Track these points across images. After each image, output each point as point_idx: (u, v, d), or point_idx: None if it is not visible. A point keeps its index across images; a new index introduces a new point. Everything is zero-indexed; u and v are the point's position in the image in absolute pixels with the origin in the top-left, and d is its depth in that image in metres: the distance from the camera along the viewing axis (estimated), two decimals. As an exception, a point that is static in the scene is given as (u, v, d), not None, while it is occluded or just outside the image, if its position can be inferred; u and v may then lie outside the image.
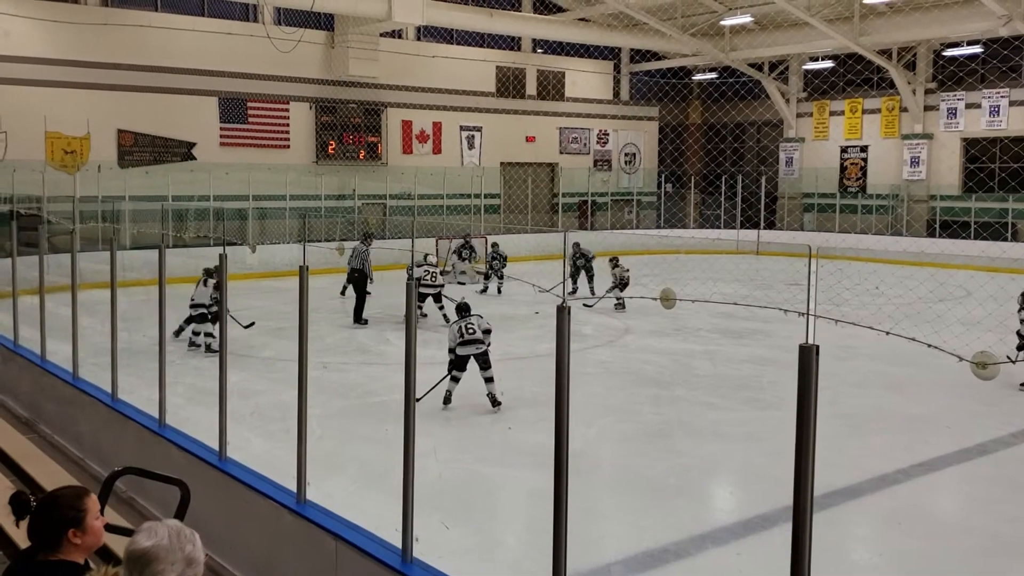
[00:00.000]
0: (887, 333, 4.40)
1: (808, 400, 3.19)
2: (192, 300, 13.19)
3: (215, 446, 6.27)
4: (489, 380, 10.16)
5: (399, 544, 4.57)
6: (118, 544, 3.21)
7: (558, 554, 3.86)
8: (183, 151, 25.09)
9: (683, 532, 6.75)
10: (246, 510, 5.79)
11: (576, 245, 19.36)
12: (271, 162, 26.08)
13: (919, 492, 7.97)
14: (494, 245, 21.77)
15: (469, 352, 10.25)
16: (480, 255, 23.21)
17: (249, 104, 26.02)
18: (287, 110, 26.76)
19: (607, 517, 7.06)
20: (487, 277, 21.04)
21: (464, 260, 22.96)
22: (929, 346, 4.91)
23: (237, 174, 24.94)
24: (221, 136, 25.58)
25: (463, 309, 10.72)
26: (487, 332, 10.34)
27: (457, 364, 10.34)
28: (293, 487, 5.40)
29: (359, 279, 16.21)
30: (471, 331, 10.26)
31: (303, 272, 5.36)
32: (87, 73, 23.20)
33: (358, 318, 15.86)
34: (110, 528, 3.23)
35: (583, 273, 19.23)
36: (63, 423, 9.04)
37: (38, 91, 22.52)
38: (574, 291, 18.52)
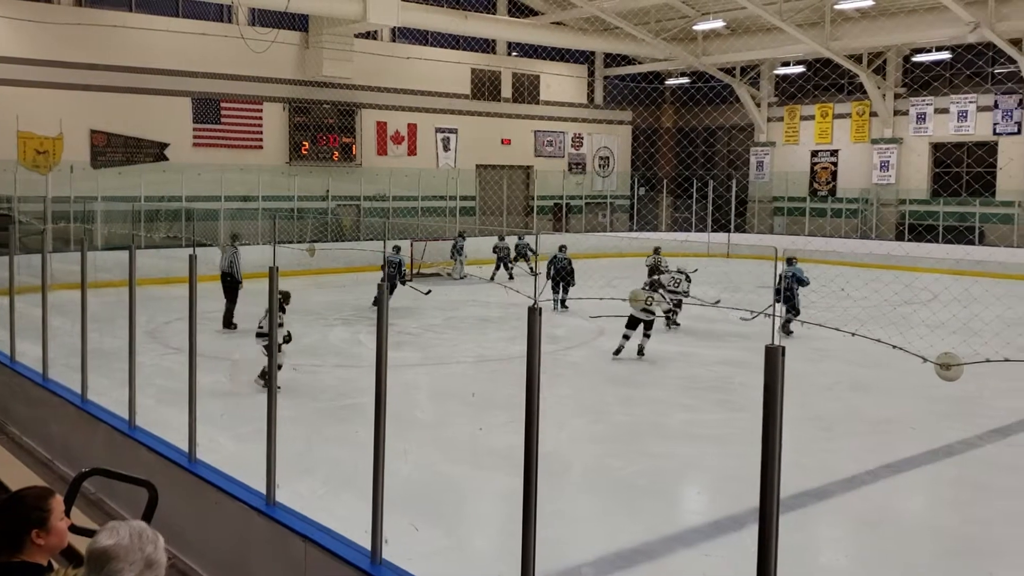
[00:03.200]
0: (852, 334, 4.47)
1: (774, 401, 3.23)
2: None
3: (185, 448, 6.24)
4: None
5: (368, 546, 4.57)
6: (83, 545, 3.19)
7: (527, 555, 3.88)
8: (156, 151, 24.90)
9: (653, 533, 6.80)
10: (215, 512, 5.77)
11: (562, 248, 19.10)
12: (244, 163, 25.95)
13: (887, 493, 8.06)
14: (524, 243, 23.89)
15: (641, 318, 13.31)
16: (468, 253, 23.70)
17: (222, 104, 25.87)
18: (260, 110, 26.63)
19: (578, 518, 7.09)
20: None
21: (455, 257, 23.34)
22: (894, 347, 4.99)
23: (210, 175, 24.79)
24: (194, 136, 25.42)
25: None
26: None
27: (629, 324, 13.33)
28: (263, 489, 5.39)
29: (230, 283, 15.52)
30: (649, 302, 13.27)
31: (273, 273, 5.35)
32: (60, 73, 22.98)
33: (228, 323, 15.14)
34: (76, 530, 3.21)
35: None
36: (32, 424, 8.95)
37: (10, 91, 22.29)
38: (555, 305, 18.22)
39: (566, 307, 18.11)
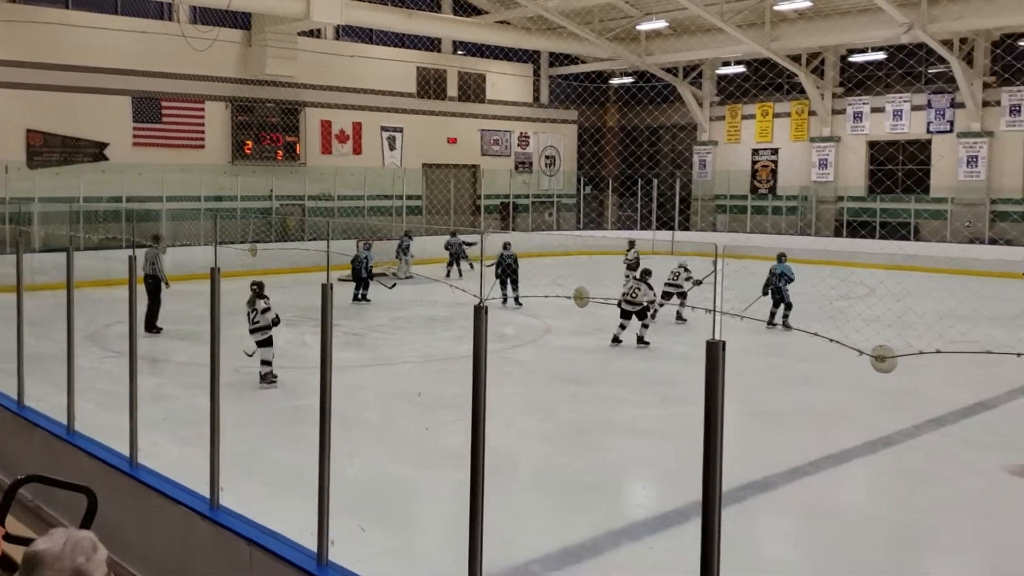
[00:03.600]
0: (790, 328, 4.57)
1: (715, 395, 3.28)
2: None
3: (126, 452, 6.13)
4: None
5: (314, 548, 4.54)
6: (19, 554, 3.12)
7: (474, 553, 3.89)
8: (95, 151, 24.36)
9: (600, 528, 6.86)
10: (158, 517, 5.68)
11: (506, 246, 19.35)
12: (186, 162, 25.53)
13: (828, 484, 8.24)
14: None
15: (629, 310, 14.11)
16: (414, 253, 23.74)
17: (163, 103, 25.41)
18: (202, 109, 26.21)
19: (526, 515, 7.13)
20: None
21: (401, 257, 23.26)
22: (831, 341, 5.10)
23: (151, 174, 24.33)
24: (134, 136, 24.93)
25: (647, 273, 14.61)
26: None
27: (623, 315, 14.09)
28: (206, 493, 5.32)
29: (152, 285, 15.12)
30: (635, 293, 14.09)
31: (214, 274, 5.28)
32: (-6, 71, 22.40)
33: (151, 326, 14.76)
34: (10, 538, 3.14)
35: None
36: (-35, 432, 8.69)
37: (-60, 89, 21.66)
38: (505, 299, 18.40)
39: (520, 303, 18.20)
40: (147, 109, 25.17)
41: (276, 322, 11.42)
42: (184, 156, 25.71)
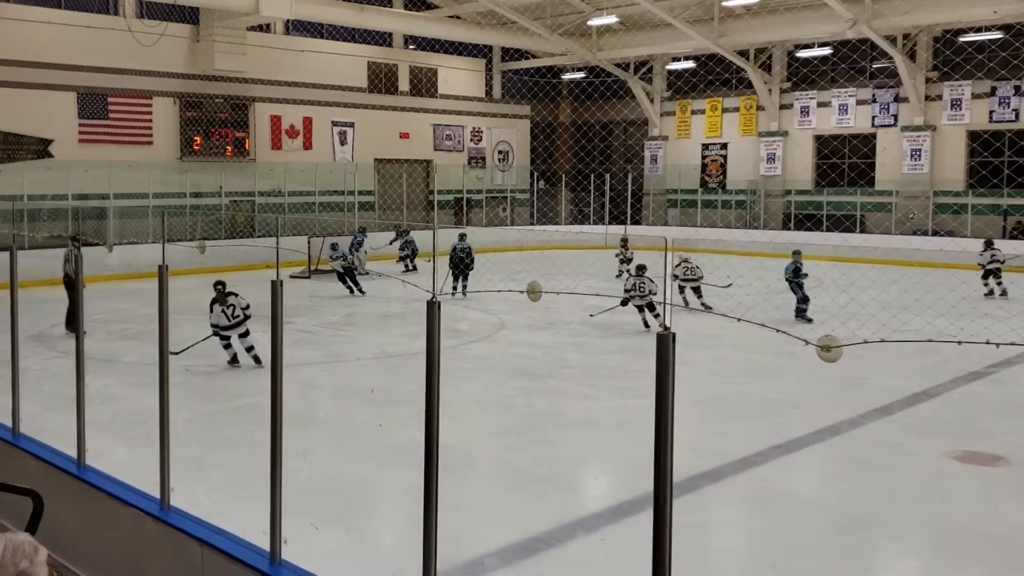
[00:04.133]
0: (739, 320, 4.65)
1: (665, 386, 3.32)
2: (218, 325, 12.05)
3: (74, 454, 6.03)
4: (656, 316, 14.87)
5: (267, 547, 4.51)
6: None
7: (428, 549, 3.90)
8: (39, 148, 23.82)
9: (554, 521, 6.90)
10: (107, 519, 5.59)
11: (462, 237, 19.77)
12: (133, 159, 25.09)
13: (777, 473, 8.37)
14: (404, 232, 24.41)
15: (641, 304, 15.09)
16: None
17: (110, 99, 24.95)
18: (150, 105, 25.78)
19: (480, 510, 7.15)
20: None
21: (356, 253, 23.09)
22: (777, 331, 5.21)
23: (97, 171, 23.87)
24: (80, 132, 24.44)
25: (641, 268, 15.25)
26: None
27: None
28: (156, 494, 5.25)
29: (71, 284, 14.61)
30: (642, 287, 14.99)
31: (162, 272, 5.22)
32: (-72, 65, 21.78)
33: (70, 324, 14.23)
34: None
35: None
36: (-96, 437, 8.46)
37: None
38: (454, 291, 18.59)
39: (465, 295, 18.36)
40: (93, 105, 24.68)
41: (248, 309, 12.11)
42: (132, 153, 25.28)
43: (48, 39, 23.50)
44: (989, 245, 19.51)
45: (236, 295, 12.02)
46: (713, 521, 7.27)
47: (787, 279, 16.11)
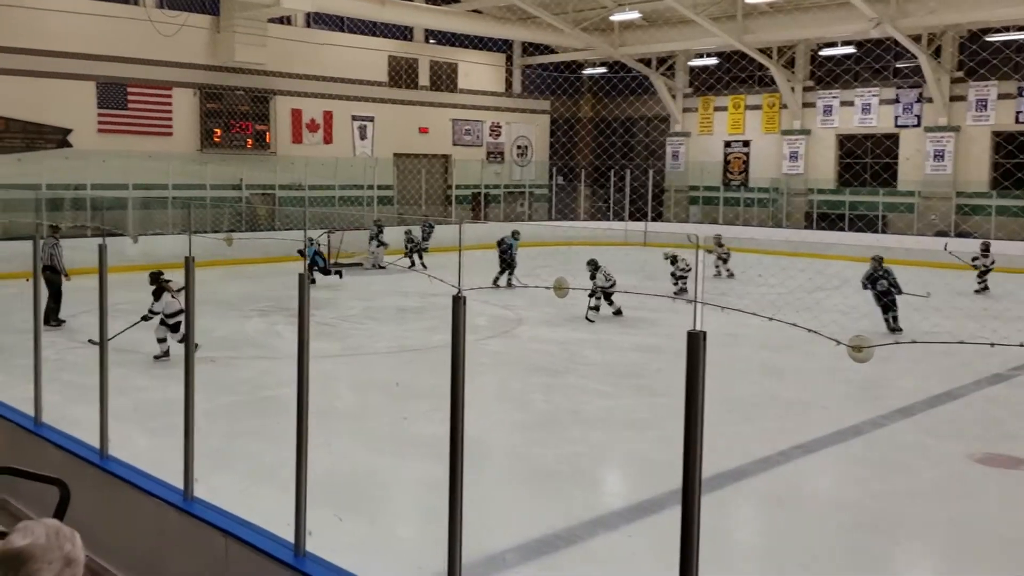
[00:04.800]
0: (770, 319, 4.58)
1: (696, 385, 3.28)
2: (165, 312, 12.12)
3: (96, 444, 6.04)
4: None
5: (291, 539, 4.50)
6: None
7: (453, 543, 3.87)
8: (59, 137, 23.94)
9: (575, 518, 6.87)
10: (130, 509, 5.60)
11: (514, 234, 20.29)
12: (153, 149, 25.17)
13: (798, 473, 8.32)
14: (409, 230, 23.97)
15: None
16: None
17: (129, 89, 25.03)
18: (170, 96, 25.85)
19: (500, 505, 7.11)
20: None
21: (380, 246, 23.16)
22: (809, 331, 5.13)
23: (116, 162, 23.96)
24: (99, 122, 24.53)
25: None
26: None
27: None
28: (180, 484, 5.25)
29: (52, 276, 14.57)
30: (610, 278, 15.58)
31: (189, 263, 5.21)
32: (-49, 54, 21.91)
33: (51, 319, 14.10)
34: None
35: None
36: (-73, 423, 8.52)
37: None
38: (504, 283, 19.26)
39: (512, 285, 18.88)
40: (112, 95, 24.78)
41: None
42: (151, 143, 25.36)
43: (68, 28, 23.61)
44: (987, 249, 20.64)
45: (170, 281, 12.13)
46: (735, 520, 7.22)
47: (867, 286, 15.19)
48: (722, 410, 9.71)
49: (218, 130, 26.90)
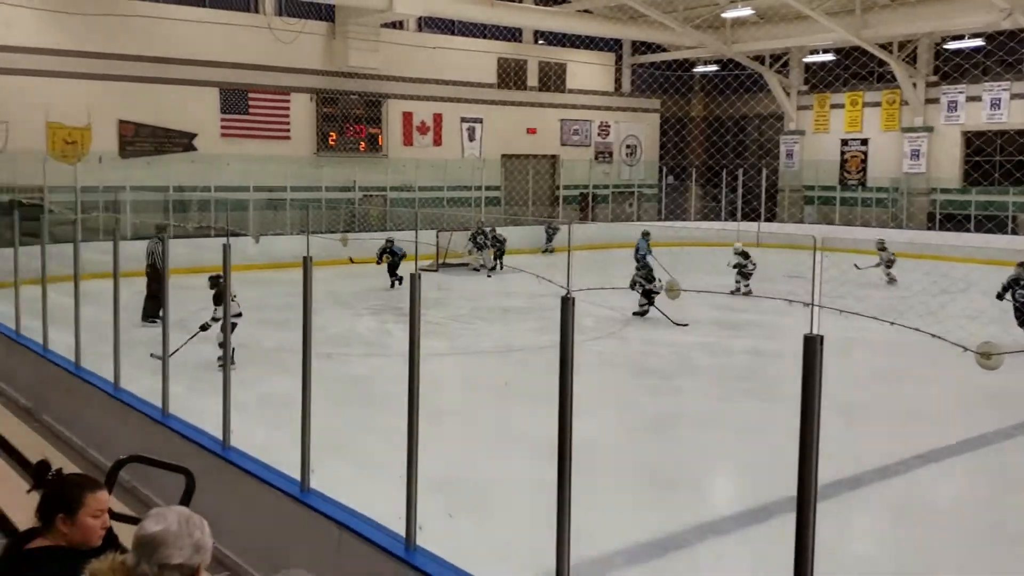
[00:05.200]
0: (892, 323, 4.41)
1: (812, 390, 3.20)
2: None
3: (218, 435, 6.29)
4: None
5: (402, 532, 4.58)
6: (123, 532, 3.22)
7: (561, 545, 3.88)
8: (184, 142, 25.07)
9: (684, 523, 6.78)
10: (250, 498, 5.81)
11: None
12: (272, 153, 26.06)
13: (918, 483, 8.00)
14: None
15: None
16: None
17: (250, 95, 25.99)
18: (288, 101, 26.73)
19: (608, 508, 7.07)
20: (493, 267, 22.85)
21: (480, 248, 23.23)
22: (933, 336, 4.92)
23: (238, 165, 24.92)
24: (222, 127, 25.57)
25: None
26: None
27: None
28: (296, 475, 5.42)
29: (154, 275, 15.06)
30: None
31: (307, 263, 5.37)
32: (88, 63, 23.17)
33: (152, 315, 14.46)
34: (115, 516, 3.24)
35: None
36: (66, 413, 9.05)
37: (39, 81, 22.49)
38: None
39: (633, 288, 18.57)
40: (234, 101, 25.78)
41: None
42: (270, 147, 26.27)
43: (194, 37, 24.67)
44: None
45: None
46: (850, 530, 6.99)
47: (1004, 293, 14.20)
48: (838, 417, 9.41)
49: (333, 133, 27.67)
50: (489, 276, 22.28)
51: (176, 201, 24.14)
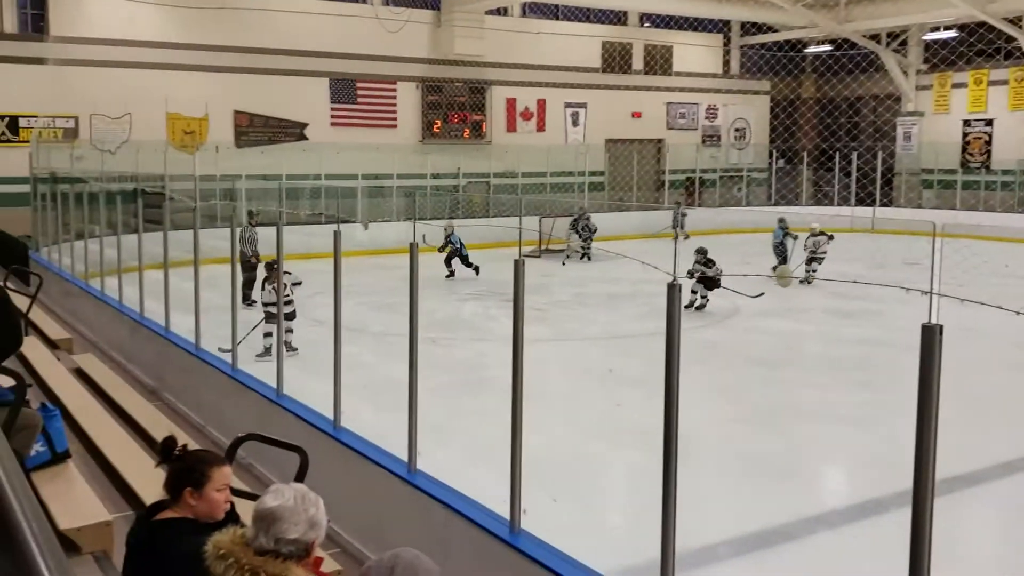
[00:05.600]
0: (1018, 313, 4.21)
1: (930, 382, 3.10)
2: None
3: (330, 415, 6.48)
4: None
5: (507, 515, 4.64)
6: (242, 507, 3.36)
7: (666, 534, 3.85)
8: (296, 131, 25.80)
9: (793, 514, 6.63)
10: (359, 477, 5.97)
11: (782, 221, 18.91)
12: (379, 141, 26.55)
13: (1045, 481, 7.62)
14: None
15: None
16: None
17: (358, 84, 26.53)
18: (395, 90, 27.17)
19: (713, 498, 6.97)
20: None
21: (579, 234, 23.06)
22: (1062, 328, 4.67)
23: (347, 153, 25.48)
24: (332, 116, 26.19)
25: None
26: None
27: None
28: (404, 457, 5.54)
29: (247, 263, 15.11)
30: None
31: (413, 249, 5.47)
32: (205, 56, 24.06)
33: (245, 299, 14.21)
34: (234, 492, 3.37)
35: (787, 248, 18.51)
36: (185, 391, 9.46)
37: (160, 74, 23.47)
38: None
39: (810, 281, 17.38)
40: (343, 90, 26.36)
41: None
42: (377, 135, 26.76)
43: (306, 28, 25.29)
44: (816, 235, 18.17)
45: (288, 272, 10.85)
46: (970, 527, 6.72)
47: None
48: (957, 409, 8.99)
49: (438, 121, 28.00)
50: (564, 261, 22.04)
51: (289, 189, 24.86)
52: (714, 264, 14.88)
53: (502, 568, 4.61)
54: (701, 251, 15.12)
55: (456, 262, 18.97)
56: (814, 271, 17.46)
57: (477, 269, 18.77)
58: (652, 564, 3.96)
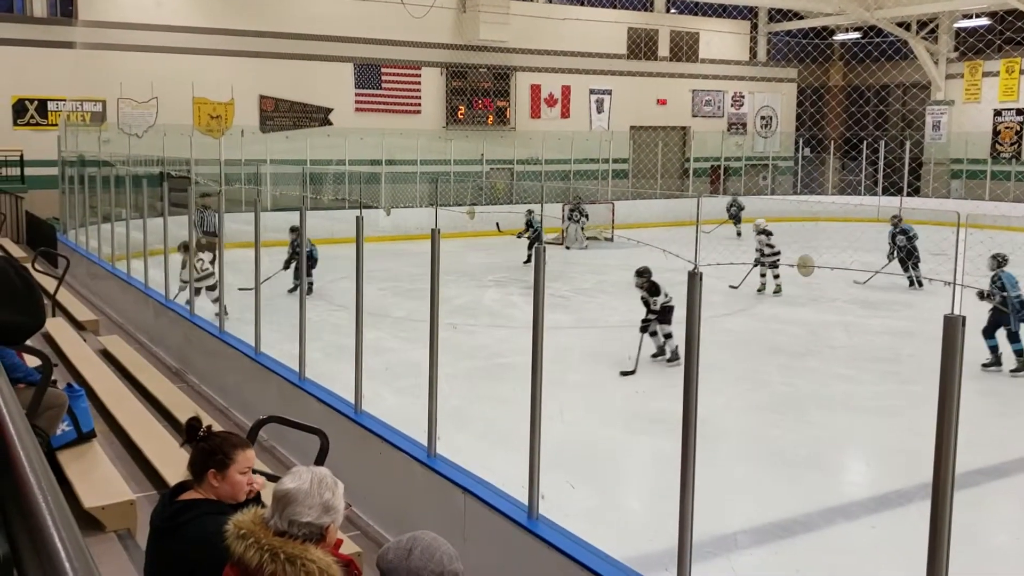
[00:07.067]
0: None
1: (952, 373, 3.08)
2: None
3: (351, 399, 6.52)
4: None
5: (525, 500, 4.66)
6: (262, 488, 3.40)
7: (684, 520, 3.86)
8: (321, 116, 25.86)
9: (812, 504, 6.61)
10: (380, 461, 6.01)
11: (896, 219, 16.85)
12: (403, 127, 26.56)
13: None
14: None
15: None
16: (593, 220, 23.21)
17: (383, 70, 26.55)
18: (419, 75, 27.16)
19: (733, 486, 6.97)
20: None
21: (576, 223, 22.84)
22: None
23: (371, 139, 25.53)
24: (356, 102, 26.23)
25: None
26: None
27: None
28: (424, 441, 5.57)
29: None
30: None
31: (435, 235, 5.48)
32: (231, 41, 24.15)
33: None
34: (255, 473, 3.41)
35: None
36: (209, 374, 9.55)
37: (186, 59, 23.59)
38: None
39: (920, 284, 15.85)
40: (368, 76, 26.38)
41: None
42: (401, 121, 26.78)
43: (331, 13, 25.31)
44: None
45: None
46: (991, 521, 6.66)
47: None
48: (981, 401, 8.96)
49: (462, 107, 27.97)
50: (568, 248, 21.81)
51: (312, 174, 24.95)
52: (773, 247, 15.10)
53: (520, 553, 4.64)
54: (766, 232, 15.22)
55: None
56: (776, 276, 15.58)
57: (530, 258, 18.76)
58: (670, 551, 3.97)
